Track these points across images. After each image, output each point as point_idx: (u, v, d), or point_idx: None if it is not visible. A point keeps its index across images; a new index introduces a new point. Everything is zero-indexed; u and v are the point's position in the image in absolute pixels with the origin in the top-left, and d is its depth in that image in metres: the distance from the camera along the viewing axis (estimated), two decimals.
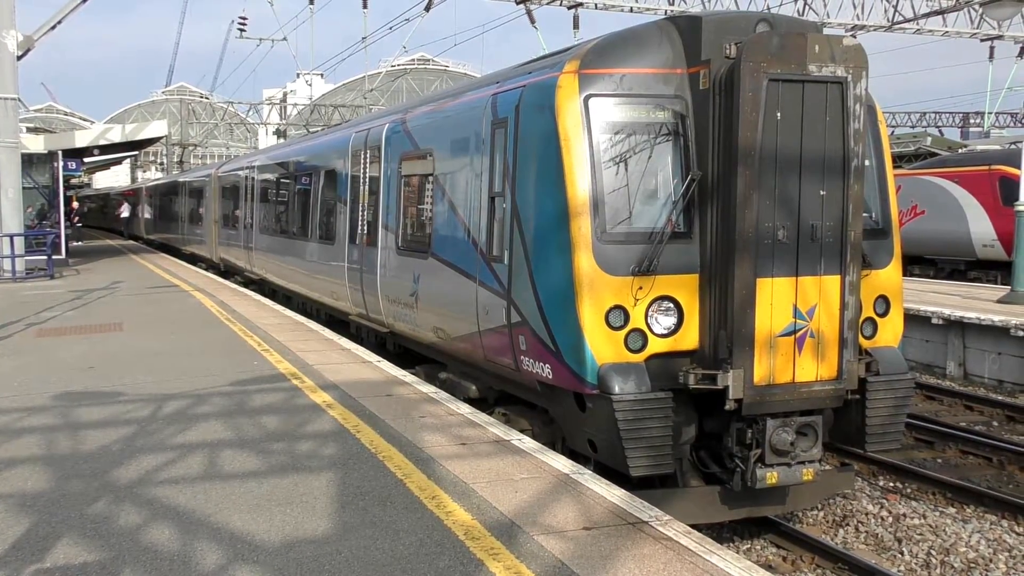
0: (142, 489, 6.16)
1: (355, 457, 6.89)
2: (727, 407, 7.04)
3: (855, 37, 7.39)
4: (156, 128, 35.73)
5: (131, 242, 46.58)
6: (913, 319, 15.99)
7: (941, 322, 16.29)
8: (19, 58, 22.32)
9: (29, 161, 25.35)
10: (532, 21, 31.31)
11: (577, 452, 7.94)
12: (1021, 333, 14.72)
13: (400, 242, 11.48)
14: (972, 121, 57.09)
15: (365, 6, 36.11)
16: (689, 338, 7.42)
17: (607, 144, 7.54)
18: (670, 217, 7.41)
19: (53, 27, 22.87)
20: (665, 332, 7.38)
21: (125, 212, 53.14)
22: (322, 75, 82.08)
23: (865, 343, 7.90)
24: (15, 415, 8.26)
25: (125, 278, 22.95)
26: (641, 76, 7.63)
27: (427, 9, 30.80)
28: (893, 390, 7.84)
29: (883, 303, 8.12)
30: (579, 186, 7.45)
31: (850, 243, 7.23)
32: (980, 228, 24.16)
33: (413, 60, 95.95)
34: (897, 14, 33.06)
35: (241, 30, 49.04)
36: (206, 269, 27.72)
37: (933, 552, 8.39)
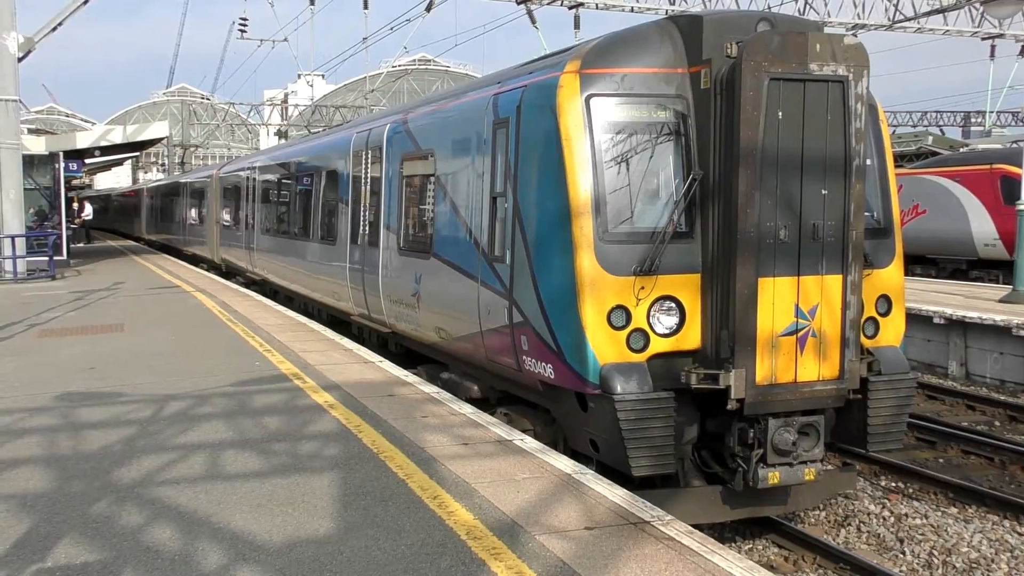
0: (144, 489, 6.16)
1: (357, 457, 6.89)
2: (729, 407, 7.03)
3: (856, 36, 7.37)
4: (157, 129, 35.79)
5: (131, 243, 46.58)
6: (915, 319, 15.97)
7: (943, 322, 16.27)
8: (20, 60, 22.33)
9: (30, 162, 25.37)
10: (533, 21, 31.33)
11: (579, 452, 7.94)
12: (1023, 333, 14.70)
13: (402, 242, 11.48)
14: (973, 120, 57.03)
15: (366, 6, 36.13)
16: (691, 338, 7.42)
17: (608, 144, 7.53)
18: (672, 217, 7.41)
19: (54, 29, 22.87)
20: (667, 332, 7.38)
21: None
22: (323, 76, 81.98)
23: (867, 343, 7.89)
24: (17, 415, 8.26)
25: (126, 279, 22.96)
26: (642, 76, 7.63)
27: (428, 9, 30.81)
28: (895, 390, 7.84)
29: (885, 303, 8.11)
30: (581, 186, 7.44)
31: (852, 242, 7.22)
32: (981, 227, 24.14)
33: (414, 61, 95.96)
34: (898, 13, 33.05)
35: (242, 31, 49.02)
36: (207, 270, 27.72)
37: (935, 552, 8.38)
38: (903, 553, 8.41)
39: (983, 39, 36.96)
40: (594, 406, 7.38)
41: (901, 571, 8.08)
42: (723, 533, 8.60)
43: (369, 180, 12.89)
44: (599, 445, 7.45)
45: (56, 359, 11.23)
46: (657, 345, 7.35)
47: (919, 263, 26.22)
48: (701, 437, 7.74)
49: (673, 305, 7.38)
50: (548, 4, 30.66)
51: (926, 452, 11.61)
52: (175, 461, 6.82)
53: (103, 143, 31.72)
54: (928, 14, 32.87)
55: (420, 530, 5.39)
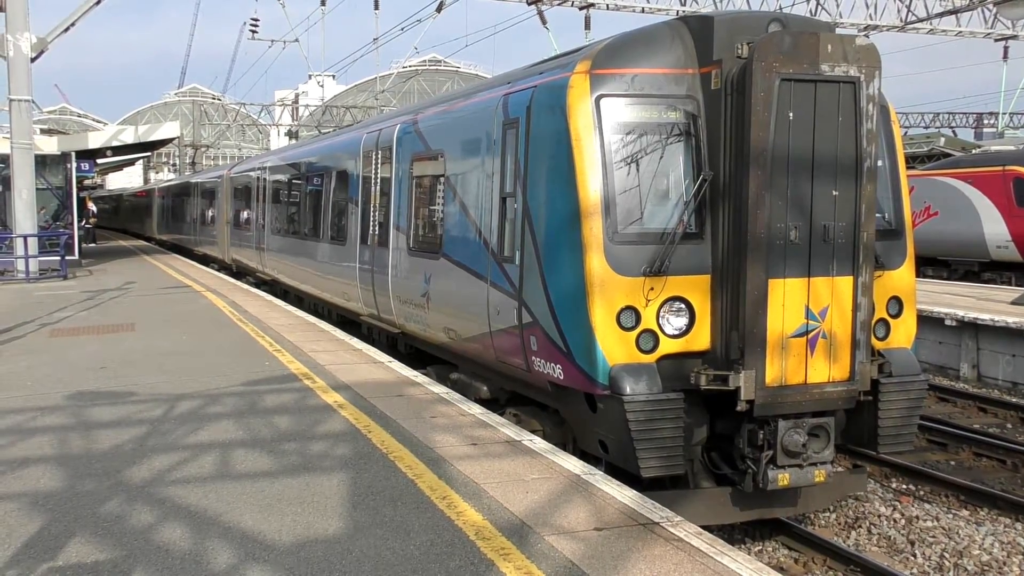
0: (154, 488, 6.19)
1: (366, 457, 6.90)
2: (739, 408, 7.02)
3: (868, 37, 7.35)
4: (169, 129, 35.90)
5: (142, 243, 46.76)
6: (926, 320, 15.91)
7: (955, 323, 16.20)
8: (33, 60, 22.43)
9: (42, 162, 25.45)
10: (543, 22, 31.32)
11: (588, 453, 7.93)
12: None
13: (411, 243, 11.49)
14: (986, 121, 56.81)
15: (377, 7, 36.23)
16: (701, 339, 7.40)
17: (618, 144, 7.53)
18: (681, 218, 7.40)
19: (66, 29, 22.97)
20: (676, 333, 7.37)
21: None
22: (334, 76, 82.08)
23: (878, 344, 7.87)
24: (29, 414, 8.30)
25: (138, 279, 23.04)
26: (653, 76, 7.62)
27: (439, 10, 30.85)
28: (906, 392, 7.81)
29: (896, 304, 8.09)
30: (590, 186, 7.44)
31: (863, 244, 7.20)
32: (994, 229, 24.03)
33: (424, 61, 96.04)
34: (910, 14, 32.94)
35: (253, 32, 49.16)
36: (218, 270, 27.80)
37: (946, 555, 8.35)
38: (914, 555, 8.37)
39: (996, 40, 36.78)
40: (603, 407, 7.38)
41: (912, 573, 8.05)
42: (732, 535, 8.57)
43: (379, 180, 12.91)
44: (608, 446, 7.44)
45: (67, 358, 11.28)
46: (666, 346, 7.34)
47: (931, 265, 26.12)
48: (711, 438, 7.73)
49: (683, 306, 7.37)
50: (559, 5, 30.66)
51: (937, 454, 11.56)
52: (186, 460, 6.84)
53: (115, 143, 31.85)
54: (941, 15, 32.75)
55: (429, 530, 5.39)
